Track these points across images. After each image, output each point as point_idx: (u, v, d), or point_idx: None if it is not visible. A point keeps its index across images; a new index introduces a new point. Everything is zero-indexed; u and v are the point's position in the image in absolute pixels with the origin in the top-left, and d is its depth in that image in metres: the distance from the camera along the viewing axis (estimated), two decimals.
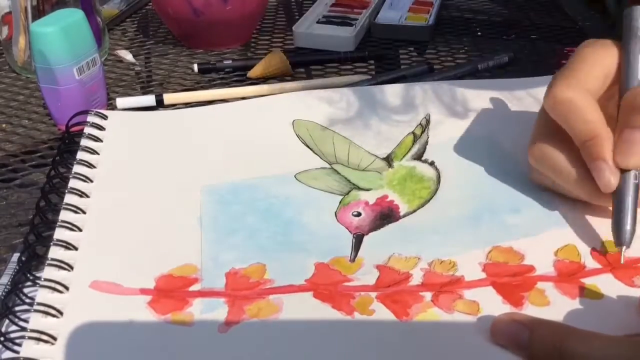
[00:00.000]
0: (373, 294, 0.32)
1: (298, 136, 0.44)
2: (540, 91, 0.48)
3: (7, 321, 0.31)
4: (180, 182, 0.40)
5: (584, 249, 0.34)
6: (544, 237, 0.35)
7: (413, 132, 0.44)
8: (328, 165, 0.41)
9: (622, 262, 0.32)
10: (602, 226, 0.35)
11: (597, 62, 0.36)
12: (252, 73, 0.58)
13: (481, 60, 0.57)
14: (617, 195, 0.33)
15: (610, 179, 0.33)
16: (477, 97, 0.47)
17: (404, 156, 0.42)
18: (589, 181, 0.34)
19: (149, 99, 0.53)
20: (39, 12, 0.56)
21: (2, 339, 0.29)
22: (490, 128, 0.44)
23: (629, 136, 0.33)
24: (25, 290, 0.32)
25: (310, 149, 0.43)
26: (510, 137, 0.43)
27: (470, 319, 0.30)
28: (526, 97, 0.48)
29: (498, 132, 0.43)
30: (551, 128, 0.36)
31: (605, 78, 0.36)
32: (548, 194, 0.37)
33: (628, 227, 0.32)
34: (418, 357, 0.28)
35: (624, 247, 0.32)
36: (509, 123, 0.44)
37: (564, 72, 0.36)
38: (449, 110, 0.46)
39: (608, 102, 0.36)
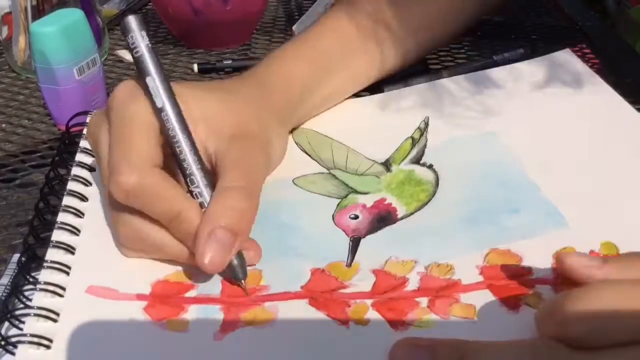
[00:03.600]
0: (369, 302, 0.32)
1: (297, 143, 0.44)
2: (537, 92, 0.48)
3: (7, 324, 0.31)
4: None
5: (583, 251, 0.33)
6: (542, 239, 0.34)
7: (412, 137, 0.44)
8: (326, 170, 0.41)
9: (246, 294, 0.32)
10: (600, 228, 0.35)
11: (138, 122, 0.32)
12: None
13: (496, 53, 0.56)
14: None
15: (213, 256, 0.30)
16: (475, 96, 0.47)
17: (402, 160, 0.42)
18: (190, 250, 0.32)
19: None
20: (39, 12, 0.56)
21: (2, 342, 0.30)
22: (489, 128, 0.44)
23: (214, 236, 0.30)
24: (26, 292, 0.32)
25: (309, 155, 0.43)
26: (509, 137, 0.43)
27: (465, 322, 0.30)
28: (524, 95, 0.48)
29: (497, 133, 0.43)
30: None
31: (156, 132, 0.32)
32: (547, 195, 0.37)
33: (235, 261, 0.32)
34: None
35: (243, 281, 0.32)
36: (507, 123, 0.44)
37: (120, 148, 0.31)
38: (447, 112, 0.46)
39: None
